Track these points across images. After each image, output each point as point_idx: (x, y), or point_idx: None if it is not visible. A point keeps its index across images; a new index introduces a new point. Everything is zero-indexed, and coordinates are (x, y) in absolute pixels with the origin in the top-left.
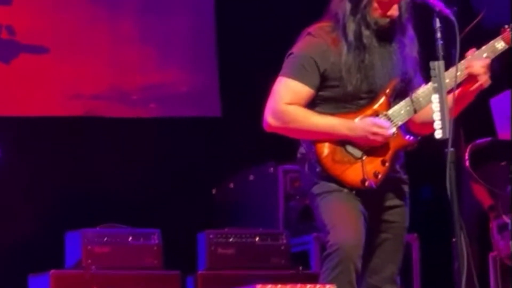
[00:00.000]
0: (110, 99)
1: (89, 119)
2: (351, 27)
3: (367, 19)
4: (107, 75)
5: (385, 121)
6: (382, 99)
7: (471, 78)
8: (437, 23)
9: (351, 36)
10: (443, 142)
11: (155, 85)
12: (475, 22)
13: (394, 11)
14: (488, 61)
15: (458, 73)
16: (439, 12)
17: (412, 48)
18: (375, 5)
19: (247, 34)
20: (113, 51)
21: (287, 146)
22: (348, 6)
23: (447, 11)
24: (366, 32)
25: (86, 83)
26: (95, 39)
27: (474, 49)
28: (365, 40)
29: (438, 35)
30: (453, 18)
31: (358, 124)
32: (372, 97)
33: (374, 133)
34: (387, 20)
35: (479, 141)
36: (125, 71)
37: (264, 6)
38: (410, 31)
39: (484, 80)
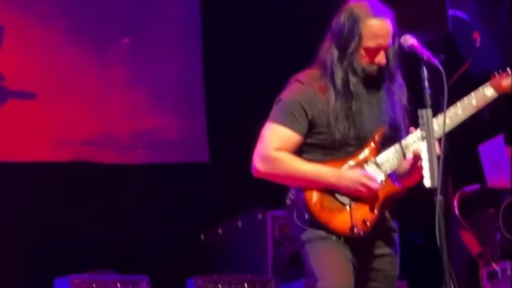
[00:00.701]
0: (100, 144)
1: (79, 164)
2: (338, 74)
3: (354, 66)
4: (97, 121)
5: (373, 171)
6: (371, 147)
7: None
8: (425, 72)
9: (338, 83)
10: (432, 189)
11: (144, 131)
12: (463, 69)
13: (381, 59)
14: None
15: (448, 121)
16: (426, 61)
17: (400, 95)
18: (362, 52)
19: (235, 80)
20: (102, 97)
21: (275, 192)
22: (335, 53)
23: (435, 60)
24: (353, 79)
25: (76, 128)
26: (85, 85)
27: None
28: (352, 87)
29: (426, 83)
30: (440, 67)
31: (347, 174)
32: (361, 144)
33: (362, 184)
34: (375, 67)
35: (467, 188)
36: (114, 117)
37: (249, 54)
38: (399, 78)
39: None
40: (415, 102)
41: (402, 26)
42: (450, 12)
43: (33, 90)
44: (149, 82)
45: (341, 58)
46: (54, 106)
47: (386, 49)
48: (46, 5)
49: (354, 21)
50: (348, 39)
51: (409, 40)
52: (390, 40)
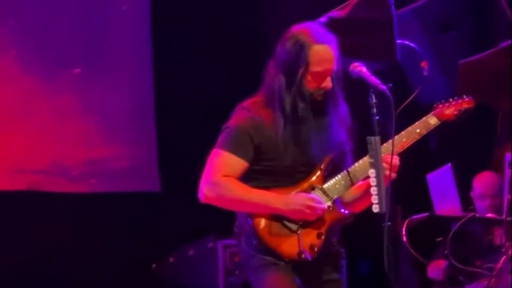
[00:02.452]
0: (52, 174)
1: (32, 193)
2: (287, 100)
3: (302, 92)
4: (49, 150)
5: (319, 196)
6: (318, 174)
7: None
8: (373, 99)
9: (287, 109)
10: (380, 216)
11: (96, 160)
12: (410, 98)
13: (327, 83)
14: (396, 159)
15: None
16: (375, 88)
17: (345, 119)
18: (309, 77)
19: (185, 110)
20: (55, 126)
21: (227, 221)
22: (283, 80)
23: (383, 87)
24: (301, 105)
25: (29, 157)
26: (37, 114)
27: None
28: (300, 113)
29: (374, 110)
30: (389, 94)
31: (292, 199)
32: (308, 171)
33: (308, 207)
34: (321, 92)
35: (415, 216)
36: (67, 146)
37: (200, 82)
38: (342, 103)
39: (388, 175)
40: (362, 128)
41: (351, 54)
42: (399, 41)
43: None
44: (101, 112)
45: (289, 85)
46: (5, 135)
47: (331, 74)
48: None
49: (300, 47)
50: (295, 65)
51: (358, 67)
52: (335, 65)
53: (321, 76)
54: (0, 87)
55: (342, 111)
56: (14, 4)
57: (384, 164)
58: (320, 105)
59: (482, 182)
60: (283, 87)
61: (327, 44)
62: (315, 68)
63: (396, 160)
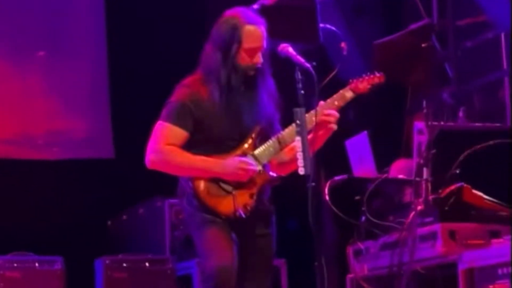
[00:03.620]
0: (18, 143)
1: (1, 160)
2: (223, 74)
3: (236, 67)
4: (16, 122)
5: (251, 159)
6: (249, 141)
7: (322, 124)
8: (299, 75)
9: (223, 82)
10: (305, 177)
11: (58, 131)
12: (331, 75)
13: (258, 59)
14: (335, 111)
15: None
16: (300, 66)
17: (273, 92)
18: (243, 54)
19: (138, 84)
20: (22, 101)
21: (173, 183)
22: (219, 56)
23: (308, 65)
24: (235, 77)
25: None
26: (6, 90)
27: (322, 102)
28: (234, 84)
29: (300, 85)
30: (312, 71)
31: (227, 162)
32: (241, 139)
33: (241, 169)
34: (253, 67)
35: (336, 178)
36: (32, 119)
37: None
38: (270, 78)
39: (331, 126)
40: (288, 101)
41: (279, 37)
42: (321, 25)
43: None
44: (62, 89)
45: (224, 60)
46: None
47: (261, 51)
48: None
49: (234, 28)
50: (230, 43)
51: (285, 48)
52: (264, 43)
53: (252, 52)
54: None
55: (270, 85)
56: None
57: (326, 118)
58: (251, 80)
59: (397, 168)
60: (220, 62)
61: (257, 25)
62: (247, 45)
63: (335, 113)
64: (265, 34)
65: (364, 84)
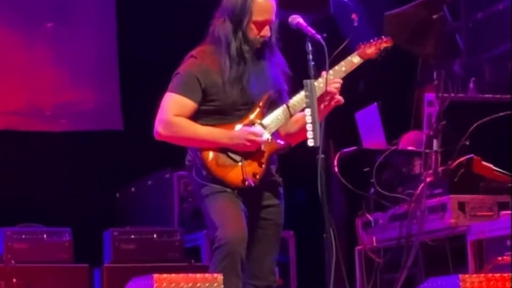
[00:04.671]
0: (27, 115)
1: (8, 132)
2: (233, 44)
3: (247, 37)
4: (24, 94)
5: (259, 129)
6: (257, 110)
7: (329, 94)
8: (309, 47)
9: (233, 52)
10: (314, 149)
11: (66, 103)
12: (342, 46)
13: (266, 32)
14: (339, 84)
15: (321, 85)
16: (311, 37)
17: (281, 65)
18: (252, 26)
19: (146, 56)
20: (29, 73)
21: (181, 155)
22: (230, 27)
23: (318, 37)
24: (246, 48)
25: (6, 101)
26: (13, 62)
27: (324, 72)
28: (246, 55)
29: (310, 56)
30: (323, 42)
31: (236, 133)
32: (249, 108)
33: (249, 140)
34: (261, 40)
35: (346, 149)
36: (40, 91)
37: (159, 32)
38: (278, 51)
39: (338, 99)
40: (298, 72)
41: (289, 8)
42: None
43: None
44: (70, 60)
45: (235, 31)
46: None
47: (270, 24)
48: None
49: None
50: (240, 15)
51: (296, 19)
52: (274, 16)
53: (261, 25)
54: None
55: (278, 57)
56: None
57: (333, 89)
58: (259, 52)
59: (407, 139)
60: (230, 32)
61: None
62: (257, 17)
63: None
64: (275, 7)
65: (372, 49)
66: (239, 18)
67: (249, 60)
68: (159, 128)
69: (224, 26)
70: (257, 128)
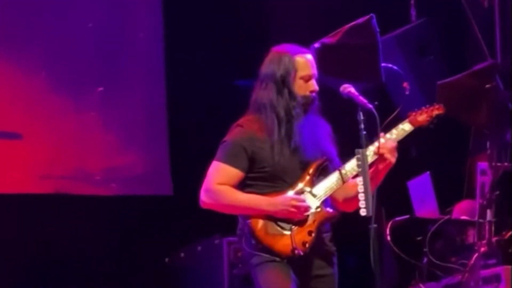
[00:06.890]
0: (77, 179)
1: (59, 196)
2: (280, 104)
3: (294, 95)
4: (75, 158)
5: (307, 197)
6: (307, 178)
7: (382, 158)
8: (361, 116)
9: (281, 111)
10: (367, 219)
11: (115, 167)
12: (394, 114)
13: (314, 86)
14: (394, 144)
15: (372, 152)
16: (362, 106)
17: (324, 126)
18: (299, 82)
19: (197, 121)
20: (79, 137)
21: (232, 221)
22: (274, 89)
23: (370, 106)
24: (293, 104)
25: (56, 165)
26: (64, 127)
27: (382, 133)
28: (293, 112)
29: (362, 126)
30: (375, 112)
31: (278, 199)
32: (298, 176)
33: (293, 206)
34: (311, 96)
35: (398, 218)
36: (89, 155)
37: (210, 99)
38: (318, 114)
39: (390, 159)
40: (348, 141)
41: (341, 76)
42: (383, 64)
43: (18, 130)
44: (119, 124)
45: (280, 92)
46: (37, 145)
47: (315, 77)
48: (30, 59)
49: (286, 59)
50: (284, 74)
51: (348, 88)
52: (316, 71)
53: (308, 78)
54: (32, 103)
55: (321, 118)
56: (43, 31)
57: (386, 153)
58: (305, 110)
59: (460, 209)
60: (274, 94)
61: (307, 54)
62: (302, 72)
63: (393, 144)
64: (314, 62)
65: (423, 116)
66: (282, 78)
67: (296, 117)
68: (203, 197)
69: (267, 91)
70: (304, 196)
